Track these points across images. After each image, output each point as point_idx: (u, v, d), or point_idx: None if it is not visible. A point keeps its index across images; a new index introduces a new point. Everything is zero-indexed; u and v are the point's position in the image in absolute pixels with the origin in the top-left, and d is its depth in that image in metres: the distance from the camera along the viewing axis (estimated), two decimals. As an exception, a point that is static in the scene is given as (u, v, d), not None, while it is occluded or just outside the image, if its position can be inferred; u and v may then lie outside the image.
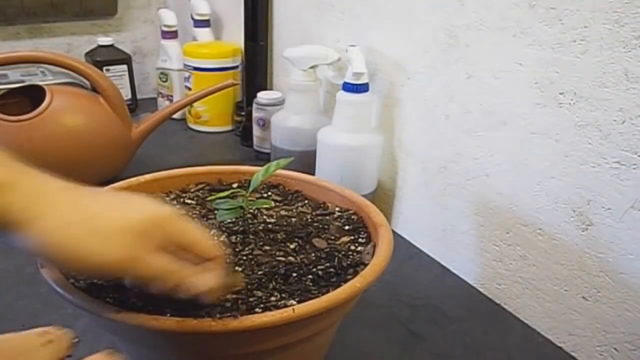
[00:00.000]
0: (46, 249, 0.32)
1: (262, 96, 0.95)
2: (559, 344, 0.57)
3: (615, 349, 0.51)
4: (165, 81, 1.17)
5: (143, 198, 0.37)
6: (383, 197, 0.79)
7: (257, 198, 0.55)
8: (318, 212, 0.53)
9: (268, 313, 0.36)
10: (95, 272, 0.35)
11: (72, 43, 1.28)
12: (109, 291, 0.40)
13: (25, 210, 0.32)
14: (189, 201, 0.55)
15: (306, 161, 0.78)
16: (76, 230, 0.32)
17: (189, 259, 0.37)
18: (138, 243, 0.34)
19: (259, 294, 0.40)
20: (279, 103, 0.93)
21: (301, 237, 0.49)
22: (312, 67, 0.81)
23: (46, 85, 0.79)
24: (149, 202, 0.36)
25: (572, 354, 0.55)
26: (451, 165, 0.67)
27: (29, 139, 0.74)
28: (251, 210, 0.52)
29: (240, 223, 0.50)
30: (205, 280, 0.37)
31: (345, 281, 0.41)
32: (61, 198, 0.33)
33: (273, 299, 0.40)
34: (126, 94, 1.20)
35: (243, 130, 1.05)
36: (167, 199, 0.50)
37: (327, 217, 0.52)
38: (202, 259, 0.38)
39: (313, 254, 0.46)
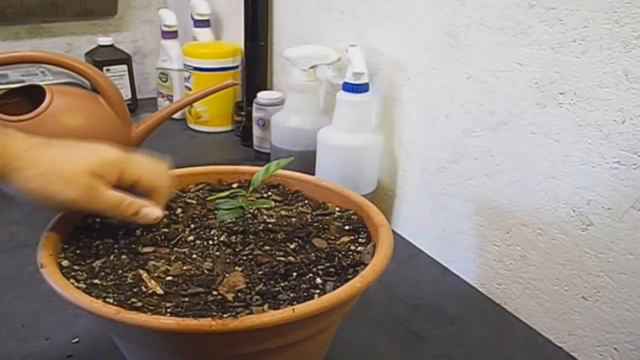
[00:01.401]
0: (25, 193, 0.42)
1: (262, 96, 0.95)
2: (559, 344, 0.57)
3: (615, 349, 0.51)
4: (165, 81, 1.17)
5: (100, 145, 0.46)
6: (383, 197, 0.79)
7: (257, 198, 0.55)
8: (318, 212, 0.53)
9: (268, 313, 0.36)
10: (64, 208, 0.46)
11: (72, 43, 1.28)
12: (109, 291, 0.40)
13: (7, 166, 0.41)
14: (189, 201, 0.55)
15: (306, 161, 0.78)
16: (45, 177, 0.42)
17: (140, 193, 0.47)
18: (94, 182, 0.43)
19: (259, 293, 0.40)
20: (279, 103, 0.93)
21: (301, 237, 0.49)
22: (312, 67, 0.81)
23: (46, 85, 0.79)
24: (104, 148, 0.46)
25: (572, 354, 0.55)
26: (451, 165, 0.67)
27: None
28: (251, 210, 0.52)
29: (240, 223, 0.50)
30: (155, 211, 0.47)
31: (345, 281, 0.40)
32: (34, 153, 0.42)
33: (273, 299, 0.40)
34: (126, 94, 1.20)
35: (243, 130, 1.05)
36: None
37: (327, 217, 0.52)
38: (151, 190, 0.48)
39: (313, 254, 0.46)
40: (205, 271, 0.43)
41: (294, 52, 0.81)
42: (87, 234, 0.48)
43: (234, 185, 0.58)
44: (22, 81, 1.01)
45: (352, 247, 0.48)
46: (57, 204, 0.43)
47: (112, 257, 0.45)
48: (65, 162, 0.43)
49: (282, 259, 0.45)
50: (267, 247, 0.47)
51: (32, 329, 0.55)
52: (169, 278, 0.42)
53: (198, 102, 0.95)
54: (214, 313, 0.38)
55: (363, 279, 0.40)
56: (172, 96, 1.17)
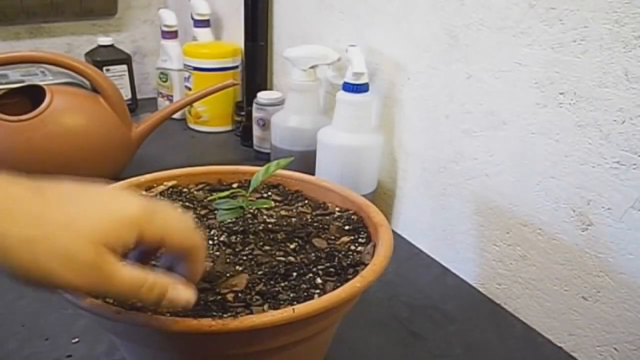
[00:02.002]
0: (5, 264, 0.29)
1: (262, 96, 0.95)
2: (559, 344, 0.57)
3: (615, 349, 0.51)
4: (165, 81, 1.17)
5: (112, 196, 0.34)
6: (383, 197, 0.79)
7: (257, 198, 0.55)
8: (318, 212, 0.53)
9: (268, 313, 0.36)
10: (62, 291, 0.33)
11: (72, 43, 1.28)
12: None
13: None
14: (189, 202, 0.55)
15: (306, 161, 0.78)
16: (35, 248, 0.29)
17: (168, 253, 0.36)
18: (104, 256, 0.31)
19: (259, 293, 0.40)
20: (279, 103, 0.93)
21: (301, 237, 0.49)
22: (312, 67, 0.81)
23: (46, 85, 0.79)
24: (117, 202, 0.33)
25: (572, 354, 0.55)
26: (451, 165, 0.67)
27: (29, 139, 0.74)
28: (251, 210, 0.52)
29: (240, 223, 0.50)
30: (186, 292, 0.35)
31: (345, 281, 0.40)
32: (17, 209, 0.29)
33: (273, 299, 0.40)
34: (126, 94, 1.20)
35: (243, 130, 1.05)
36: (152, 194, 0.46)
37: (327, 217, 0.52)
38: (181, 254, 0.35)
39: (313, 254, 0.46)
40: (206, 271, 0.43)
41: (294, 52, 0.82)
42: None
43: (234, 185, 0.58)
44: (22, 81, 1.01)
45: (352, 247, 0.48)
46: (52, 287, 0.30)
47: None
48: (64, 227, 0.30)
49: (282, 259, 0.45)
50: (267, 247, 0.47)
51: (32, 329, 0.55)
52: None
53: (198, 102, 0.95)
54: (214, 313, 0.38)
55: (363, 279, 0.40)
56: (172, 96, 1.17)
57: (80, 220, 0.31)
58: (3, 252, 0.28)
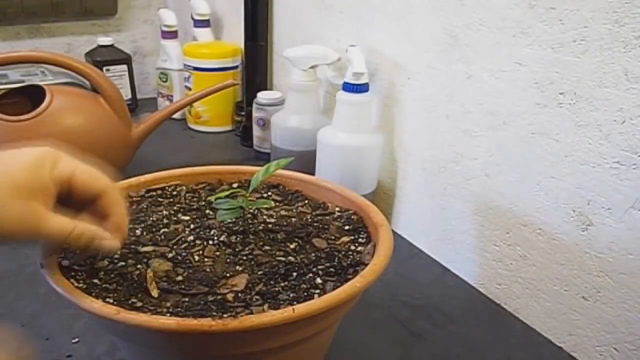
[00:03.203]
0: None
1: (262, 96, 0.95)
2: (559, 344, 0.57)
3: (615, 349, 0.51)
4: (165, 81, 1.17)
5: (24, 149, 0.38)
6: (383, 197, 0.79)
7: (257, 198, 0.55)
8: (318, 212, 0.53)
9: (268, 313, 0.36)
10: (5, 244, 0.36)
11: (72, 43, 1.28)
12: (109, 291, 0.40)
13: None
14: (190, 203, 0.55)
15: (306, 161, 0.78)
16: None
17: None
18: (31, 204, 0.35)
19: (259, 293, 0.40)
20: (279, 103, 0.93)
21: (301, 237, 0.49)
22: (312, 67, 0.81)
23: (46, 85, 0.79)
24: (26, 151, 0.37)
25: (572, 354, 0.55)
26: (451, 165, 0.67)
27: (29, 139, 0.74)
28: (251, 210, 0.52)
29: (240, 223, 0.50)
30: (112, 243, 0.40)
31: (345, 281, 0.41)
32: None
33: (273, 299, 0.40)
34: (126, 94, 1.20)
35: (243, 130, 1.05)
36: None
37: (327, 217, 0.53)
38: (93, 194, 0.40)
39: (313, 254, 0.46)
40: (206, 271, 0.43)
41: (294, 52, 0.82)
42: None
43: (234, 185, 0.58)
44: (22, 81, 1.01)
45: (352, 247, 0.48)
46: None
47: (111, 257, 0.45)
48: None
49: (282, 259, 0.45)
50: (267, 247, 0.47)
51: (32, 329, 0.55)
52: (169, 278, 0.42)
53: (198, 102, 0.95)
54: (214, 313, 0.38)
55: (363, 279, 0.40)
56: (172, 96, 1.17)
57: (1, 181, 0.35)
58: None
